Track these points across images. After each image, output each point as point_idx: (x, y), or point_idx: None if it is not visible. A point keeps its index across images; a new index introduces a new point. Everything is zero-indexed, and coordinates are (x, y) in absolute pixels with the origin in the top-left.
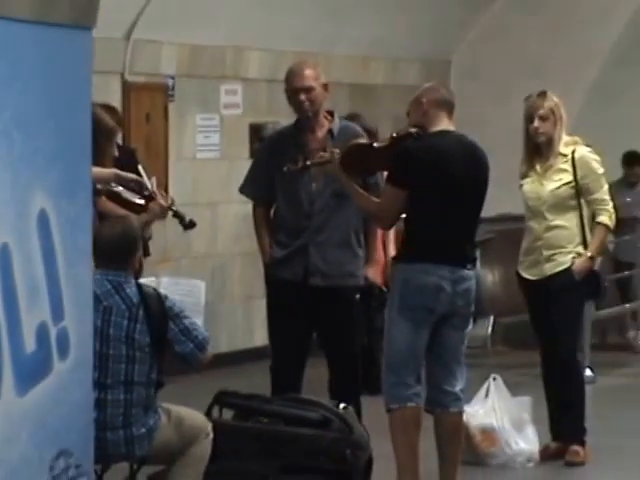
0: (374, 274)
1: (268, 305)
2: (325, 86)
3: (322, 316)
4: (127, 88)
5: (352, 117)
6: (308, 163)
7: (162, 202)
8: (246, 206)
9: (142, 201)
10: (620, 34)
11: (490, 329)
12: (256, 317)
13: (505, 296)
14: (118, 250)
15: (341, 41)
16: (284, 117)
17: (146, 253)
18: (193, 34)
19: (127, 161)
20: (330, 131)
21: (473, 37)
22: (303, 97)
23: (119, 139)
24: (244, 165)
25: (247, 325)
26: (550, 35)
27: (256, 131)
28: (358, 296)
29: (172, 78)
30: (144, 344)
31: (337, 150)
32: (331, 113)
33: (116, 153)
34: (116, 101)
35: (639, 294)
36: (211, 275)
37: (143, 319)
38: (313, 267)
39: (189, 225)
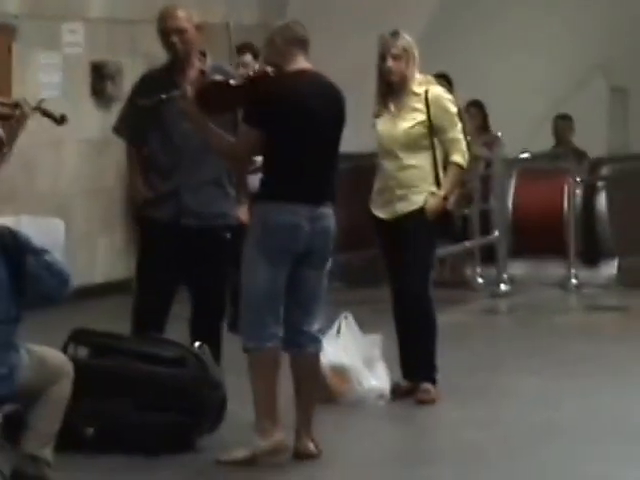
0: (244, 213)
1: (140, 245)
2: (199, 27)
3: (193, 255)
4: None
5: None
6: (163, 97)
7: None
8: (88, 145)
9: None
10: None
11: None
12: (97, 254)
13: (352, 232)
14: None
15: None
16: (124, 56)
17: None
18: None
19: None
20: (202, 71)
21: None
22: (175, 39)
23: None
24: (86, 103)
25: (89, 262)
26: None
27: (97, 69)
28: (229, 235)
29: (16, 17)
30: (1, 279)
31: (189, 87)
32: (204, 53)
33: None
34: None
35: (476, 233)
36: (55, 213)
37: None
38: (185, 208)
39: (61, 120)
